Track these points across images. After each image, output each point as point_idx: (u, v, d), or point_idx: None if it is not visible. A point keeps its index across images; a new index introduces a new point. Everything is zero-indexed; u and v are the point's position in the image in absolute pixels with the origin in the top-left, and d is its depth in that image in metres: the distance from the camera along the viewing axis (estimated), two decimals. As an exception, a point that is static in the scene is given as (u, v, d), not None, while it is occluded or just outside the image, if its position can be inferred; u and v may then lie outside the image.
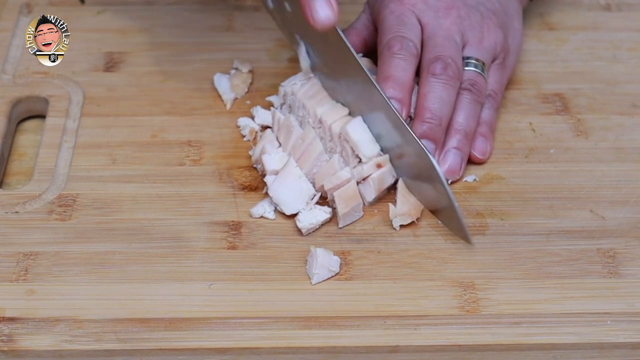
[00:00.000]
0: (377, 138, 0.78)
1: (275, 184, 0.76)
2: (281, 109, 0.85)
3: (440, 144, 0.80)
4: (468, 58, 0.83)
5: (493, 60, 0.85)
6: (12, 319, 0.69)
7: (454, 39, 0.83)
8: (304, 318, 0.69)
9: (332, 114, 0.79)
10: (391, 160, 0.78)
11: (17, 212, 0.76)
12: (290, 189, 0.76)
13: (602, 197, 0.79)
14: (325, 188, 0.76)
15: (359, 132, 0.77)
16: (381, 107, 0.77)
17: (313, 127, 0.80)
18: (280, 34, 0.93)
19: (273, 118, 0.83)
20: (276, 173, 0.77)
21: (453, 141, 0.81)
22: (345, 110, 0.79)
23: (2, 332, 0.68)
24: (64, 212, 0.76)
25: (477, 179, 0.80)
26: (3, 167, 0.82)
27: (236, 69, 0.90)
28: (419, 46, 0.82)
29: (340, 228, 0.76)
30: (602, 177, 0.81)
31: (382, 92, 0.77)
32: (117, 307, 0.70)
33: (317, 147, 0.78)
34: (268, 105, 0.86)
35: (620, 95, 0.89)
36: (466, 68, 0.83)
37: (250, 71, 0.90)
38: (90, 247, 0.74)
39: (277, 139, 0.81)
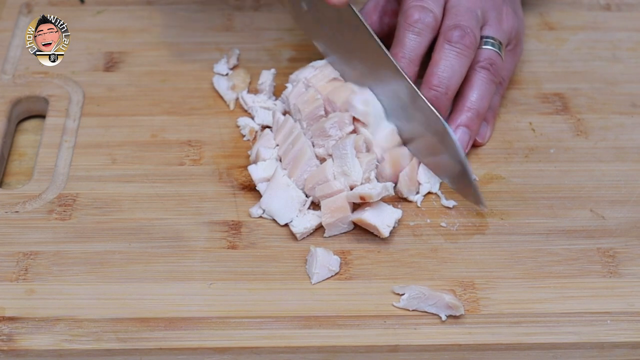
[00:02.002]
0: (387, 112, 0.79)
1: (266, 196, 0.76)
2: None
3: (445, 114, 0.79)
4: (487, 37, 0.83)
5: (506, 45, 0.85)
6: (12, 319, 0.69)
7: (476, 13, 0.82)
8: (304, 317, 0.69)
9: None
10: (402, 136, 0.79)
11: (17, 211, 0.76)
12: (281, 199, 0.76)
13: (602, 197, 0.79)
14: (316, 195, 0.76)
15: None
16: (394, 77, 0.78)
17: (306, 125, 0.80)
18: (279, 33, 0.94)
19: (273, 118, 0.83)
20: (267, 180, 0.77)
21: (463, 118, 0.80)
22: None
23: (2, 332, 0.68)
24: (64, 211, 0.76)
25: (477, 179, 0.80)
26: (3, 167, 0.82)
27: (229, 66, 0.90)
28: (439, 18, 0.81)
29: (325, 238, 0.75)
30: (602, 177, 0.81)
31: (396, 64, 0.78)
32: (117, 306, 0.70)
33: (305, 152, 0.77)
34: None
35: (620, 95, 0.89)
36: (485, 47, 0.82)
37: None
38: (90, 247, 0.74)
39: (275, 139, 0.81)
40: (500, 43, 0.83)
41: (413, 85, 0.77)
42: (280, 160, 0.79)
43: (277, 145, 0.80)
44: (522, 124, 0.86)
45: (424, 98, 0.77)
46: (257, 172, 0.78)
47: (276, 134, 0.81)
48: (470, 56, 0.80)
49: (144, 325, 0.68)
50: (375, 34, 0.80)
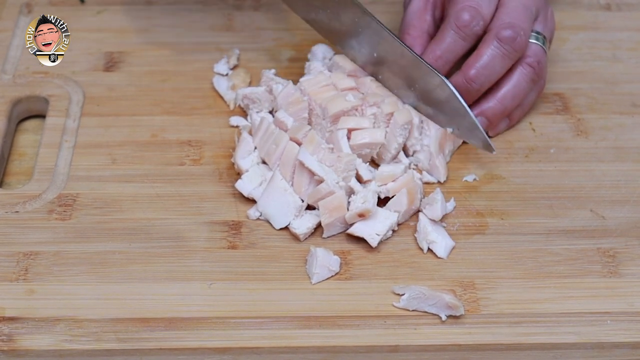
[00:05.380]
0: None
1: (263, 200, 0.76)
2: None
3: (470, 102, 0.79)
4: (537, 32, 0.82)
5: None
6: (12, 319, 0.69)
7: (531, 11, 0.81)
8: (304, 318, 0.69)
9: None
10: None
11: (17, 211, 0.76)
12: (277, 203, 0.75)
13: (602, 197, 0.79)
14: (309, 202, 0.75)
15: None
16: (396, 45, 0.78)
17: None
18: (279, 33, 0.94)
19: (251, 119, 0.83)
20: (259, 185, 0.77)
21: (488, 107, 0.80)
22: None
23: (2, 332, 0.68)
24: (64, 211, 0.76)
25: (477, 179, 0.80)
26: (3, 167, 0.82)
27: (229, 66, 0.90)
28: (489, 21, 0.79)
29: (324, 238, 0.75)
30: (602, 177, 0.81)
31: (396, 37, 0.79)
32: (117, 306, 0.70)
33: (293, 149, 0.76)
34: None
35: (620, 95, 0.89)
36: (535, 41, 0.82)
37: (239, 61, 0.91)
38: (90, 247, 0.74)
39: (253, 141, 0.80)
40: (545, 39, 0.83)
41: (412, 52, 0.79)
42: (264, 162, 0.79)
43: (256, 147, 0.79)
44: (523, 124, 0.86)
45: (422, 60, 0.78)
46: (245, 186, 0.77)
47: (254, 136, 0.80)
48: (515, 59, 0.79)
49: (144, 326, 0.68)
50: (432, 33, 0.81)
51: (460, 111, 0.77)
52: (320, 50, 0.87)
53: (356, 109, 0.79)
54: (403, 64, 0.79)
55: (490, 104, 0.80)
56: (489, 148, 0.78)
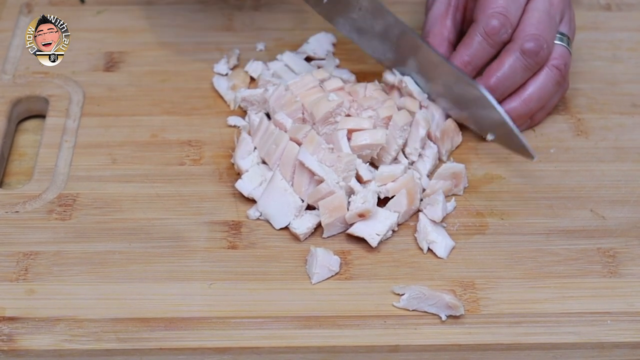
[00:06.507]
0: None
1: (263, 199, 0.76)
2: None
3: None
4: (562, 34, 0.82)
5: None
6: (12, 319, 0.69)
7: (556, 19, 0.81)
8: (304, 318, 0.69)
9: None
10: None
11: (17, 211, 0.76)
12: (277, 203, 0.75)
13: (602, 197, 0.79)
14: (309, 202, 0.76)
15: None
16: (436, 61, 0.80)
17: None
18: (279, 33, 0.94)
19: (249, 120, 0.83)
20: (259, 185, 0.77)
21: (512, 108, 0.80)
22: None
23: (2, 332, 0.68)
24: (64, 211, 0.76)
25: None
26: (3, 167, 0.82)
27: (229, 66, 0.90)
28: (515, 26, 0.79)
29: (324, 238, 0.75)
30: (602, 177, 0.81)
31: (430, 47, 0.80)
32: (117, 306, 0.70)
33: (293, 149, 0.76)
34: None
35: (620, 95, 0.89)
36: (560, 42, 0.82)
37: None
38: (90, 247, 0.74)
39: (252, 141, 0.80)
40: (570, 40, 0.83)
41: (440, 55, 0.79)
42: (264, 162, 0.79)
43: (255, 147, 0.79)
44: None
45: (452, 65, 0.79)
46: (245, 186, 0.77)
47: (253, 136, 0.80)
48: (536, 70, 0.80)
49: (144, 325, 0.68)
50: (452, 39, 0.82)
51: (499, 121, 0.78)
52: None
53: (348, 112, 0.79)
54: (439, 74, 0.80)
55: (515, 105, 0.81)
56: (528, 155, 0.77)
